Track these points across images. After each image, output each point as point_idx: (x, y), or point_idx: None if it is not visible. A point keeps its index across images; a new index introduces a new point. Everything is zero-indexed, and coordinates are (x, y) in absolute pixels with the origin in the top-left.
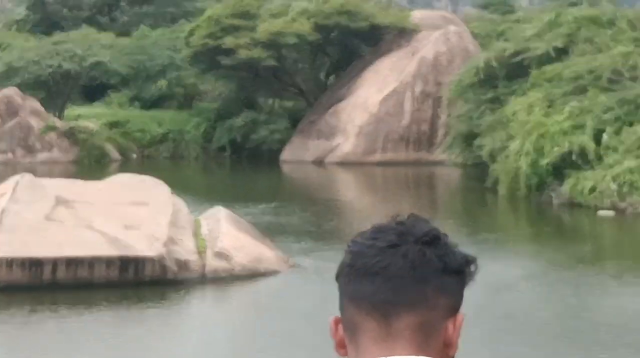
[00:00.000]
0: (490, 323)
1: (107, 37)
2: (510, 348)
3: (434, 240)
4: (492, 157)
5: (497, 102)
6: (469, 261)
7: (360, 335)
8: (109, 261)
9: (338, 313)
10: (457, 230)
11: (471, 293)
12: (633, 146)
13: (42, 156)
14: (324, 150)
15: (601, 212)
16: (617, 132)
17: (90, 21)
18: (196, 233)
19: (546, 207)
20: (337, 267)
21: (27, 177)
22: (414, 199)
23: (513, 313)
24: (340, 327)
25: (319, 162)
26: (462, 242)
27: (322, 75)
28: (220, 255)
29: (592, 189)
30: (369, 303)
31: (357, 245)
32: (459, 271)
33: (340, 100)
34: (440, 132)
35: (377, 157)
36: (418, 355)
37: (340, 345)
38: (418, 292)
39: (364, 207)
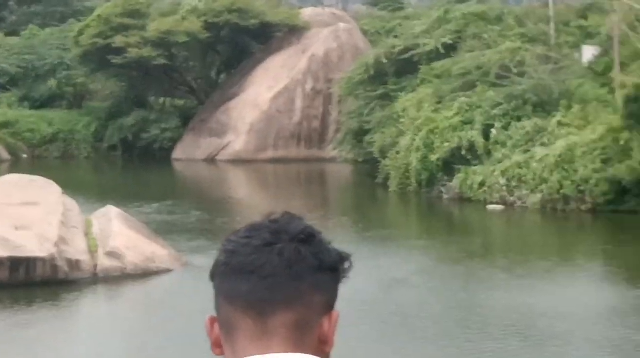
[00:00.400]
0: (383, 317)
1: None
2: (403, 343)
3: (309, 237)
4: (383, 153)
5: (387, 98)
6: (343, 258)
7: (236, 334)
8: (14, 263)
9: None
10: (349, 227)
11: (364, 289)
12: (521, 141)
13: None
14: (216, 148)
15: (490, 207)
16: (506, 127)
17: None
18: (87, 233)
19: (437, 202)
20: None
21: None
22: (305, 196)
23: (406, 308)
24: (217, 326)
25: (211, 160)
26: (353, 239)
27: (213, 74)
28: (112, 254)
29: (482, 184)
30: (245, 301)
31: (231, 244)
32: (333, 268)
33: (231, 98)
34: (332, 129)
35: (269, 154)
36: (294, 352)
37: (217, 345)
38: (293, 290)
39: (257, 205)
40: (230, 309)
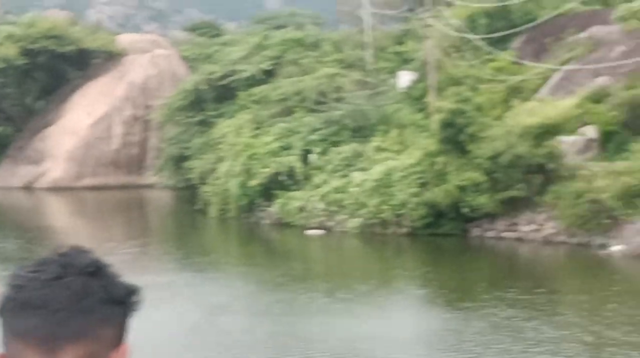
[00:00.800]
0: (207, 345)
1: None
2: None
3: (98, 270)
4: (202, 179)
5: (206, 124)
6: (132, 291)
7: None
8: None
9: None
10: (170, 254)
11: (187, 317)
12: (339, 166)
13: None
14: (34, 175)
15: (309, 232)
16: (324, 152)
17: None
18: None
19: (256, 227)
20: None
21: None
22: (125, 223)
23: (229, 335)
24: None
25: (29, 188)
26: (173, 266)
27: (30, 100)
28: None
29: (301, 209)
30: (34, 338)
31: (19, 278)
32: (122, 301)
33: (49, 125)
34: (151, 155)
35: (88, 181)
36: None
37: None
38: (82, 325)
39: (76, 232)
40: (20, 346)
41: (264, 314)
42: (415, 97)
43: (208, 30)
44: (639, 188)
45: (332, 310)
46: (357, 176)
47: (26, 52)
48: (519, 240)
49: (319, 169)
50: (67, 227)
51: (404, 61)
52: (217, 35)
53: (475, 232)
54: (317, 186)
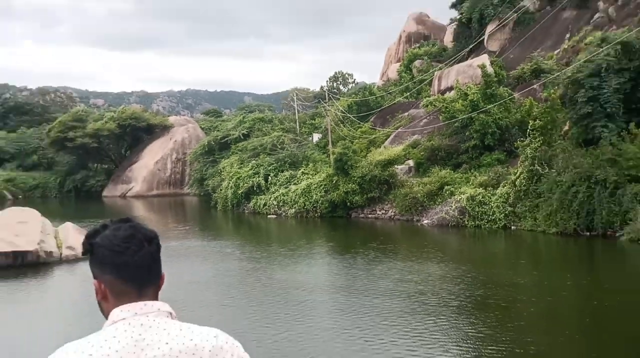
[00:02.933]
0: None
1: None
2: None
3: (147, 229)
4: (213, 190)
5: (214, 162)
6: (158, 237)
7: (121, 296)
8: (6, 254)
9: None
10: (198, 229)
11: (208, 256)
12: (284, 182)
13: None
14: (126, 190)
15: (270, 216)
16: (276, 175)
17: None
18: (56, 236)
19: (242, 215)
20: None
21: None
22: (175, 214)
23: (239, 264)
24: (103, 285)
25: (124, 197)
26: (201, 234)
27: (123, 150)
28: (69, 247)
29: (264, 204)
30: (129, 278)
31: (100, 233)
32: (159, 246)
33: (133, 163)
34: (186, 178)
35: (154, 192)
36: (155, 300)
37: (104, 298)
38: (157, 271)
39: (151, 219)
40: (116, 279)
41: (246, 260)
42: (322, 146)
43: (214, 113)
44: (435, 191)
45: (275, 259)
46: (293, 187)
47: (120, 126)
48: (376, 218)
49: (273, 183)
50: (146, 216)
51: (315, 128)
52: (220, 116)
53: (353, 215)
54: (272, 192)
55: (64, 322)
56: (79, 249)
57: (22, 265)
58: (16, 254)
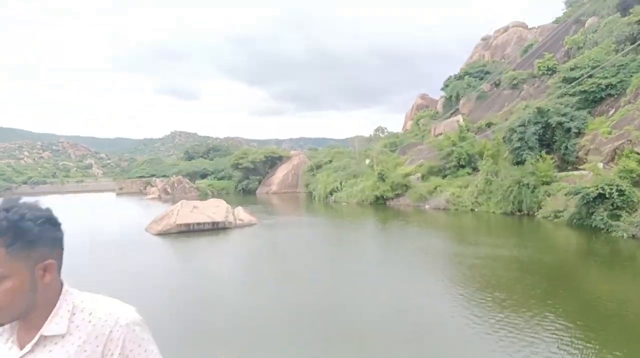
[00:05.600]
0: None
1: None
2: None
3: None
4: (314, 189)
5: (314, 175)
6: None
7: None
8: (208, 223)
9: None
10: (298, 213)
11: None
12: (350, 185)
13: None
14: (268, 189)
15: (343, 203)
16: (346, 181)
17: None
18: (235, 214)
19: (328, 203)
20: None
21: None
22: (295, 205)
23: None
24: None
25: (267, 193)
26: (298, 217)
27: (267, 169)
28: (240, 220)
29: (340, 197)
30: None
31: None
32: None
33: (272, 175)
34: (300, 182)
35: (283, 191)
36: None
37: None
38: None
39: (274, 208)
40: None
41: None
42: (370, 166)
43: (314, 149)
44: (432, 190)
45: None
46: (355, 188)
47: (265, 157)
48: (400, 205)
49: (345, 186)
50: (276, 203)
51: (367, 156)
52: (316, 150)
53: (388, 203)
54: (344, 190)
55: (239, 257)
56: (246, 220)
57: (216, 229)
58: (213, 223)
